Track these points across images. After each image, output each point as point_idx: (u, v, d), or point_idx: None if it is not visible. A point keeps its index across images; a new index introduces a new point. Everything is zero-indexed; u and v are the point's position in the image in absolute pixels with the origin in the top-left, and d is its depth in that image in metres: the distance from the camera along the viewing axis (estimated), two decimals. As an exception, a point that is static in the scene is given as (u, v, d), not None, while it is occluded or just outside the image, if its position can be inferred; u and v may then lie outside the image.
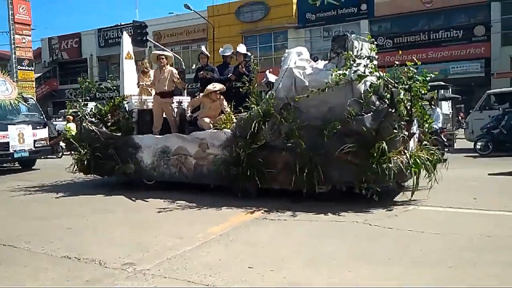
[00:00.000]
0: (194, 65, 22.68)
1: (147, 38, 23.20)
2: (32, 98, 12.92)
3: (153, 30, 33.90)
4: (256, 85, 6.81)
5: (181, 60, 25.07)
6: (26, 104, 11.81)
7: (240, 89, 6.85)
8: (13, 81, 11.69)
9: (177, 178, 7.52)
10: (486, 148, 12.11)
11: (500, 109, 12.95)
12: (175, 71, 8.22)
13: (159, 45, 27.26)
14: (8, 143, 10.92)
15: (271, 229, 5.13)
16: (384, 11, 26.54)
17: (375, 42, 6.29)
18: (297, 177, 6.10)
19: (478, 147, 12.27)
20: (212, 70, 8.08)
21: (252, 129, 6.37)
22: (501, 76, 24.34)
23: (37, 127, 11.76)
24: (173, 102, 8.25)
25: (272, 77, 8.05)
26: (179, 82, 8.23)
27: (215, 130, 7.06)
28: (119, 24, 38.41)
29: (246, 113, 6.63)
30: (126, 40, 9.24)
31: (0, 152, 10.83)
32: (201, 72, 8.11)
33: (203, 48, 8.41)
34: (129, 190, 7.72)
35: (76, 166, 8.43)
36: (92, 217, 6.02)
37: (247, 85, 6.73)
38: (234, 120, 7.03)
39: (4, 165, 12.25)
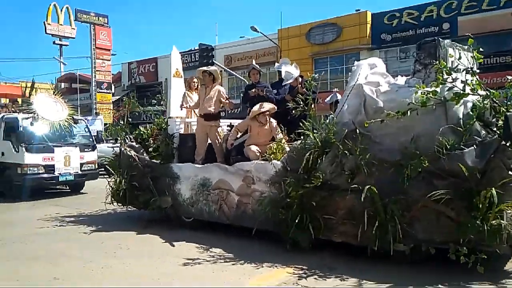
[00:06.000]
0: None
1: (213, 61, 22.86)
2: (83, 120, 12.50)
3: (225, 54, 33.91)
4: (314, 107, 5.38)
5: (246, 82, 24.32)
6: (76, 126, 11.32)
7: (293, 111, 5.43)
8: (64, 101, 11.23)
9: (216, 217, 6.22)
10: None
11: None
12: (223, 90, 7.04)
13: (226, 68, 26.90)
14: (53, 165, 10.36)
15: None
16: (470, 29, 23.52)
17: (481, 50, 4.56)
18: (365, 229, 4.54)
19: None
20: (264, 88, 6.77)
21: (306, 162, 4.93)
22: None
23: (85, 150, 11.20)
24: (220, 126, 7.05)
25: (339, 97, 6.58)
26: (228, 103, 7.02)
27: (262, 161, 5.70)
28: (192, 49, 39.02)
29: (300, 141, 5.22)
30: (175, 56, 8.25)
31: (45, 175, 10.28)
32: (252, 90, 6.83)
33: (253, 62, 7.17)
34: (164, 228, 6.64)
35: (112, 197, 7.49)
36: (96, 263, 4.97)
37: (302, 105, 5.31)
38: (287, 149, 5.64)
39: (58, 187, 11.83)
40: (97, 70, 34.78)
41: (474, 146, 4.16)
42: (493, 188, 3.98)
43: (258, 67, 7.07)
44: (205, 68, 7.13)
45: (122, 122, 8.32)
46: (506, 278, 4.20)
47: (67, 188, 11.78)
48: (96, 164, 11.61)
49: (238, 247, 5.49)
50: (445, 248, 4.25)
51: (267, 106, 6.06)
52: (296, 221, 4.93)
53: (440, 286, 4.00)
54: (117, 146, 15.56)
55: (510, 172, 4.07)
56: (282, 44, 29.14)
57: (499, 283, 4.06)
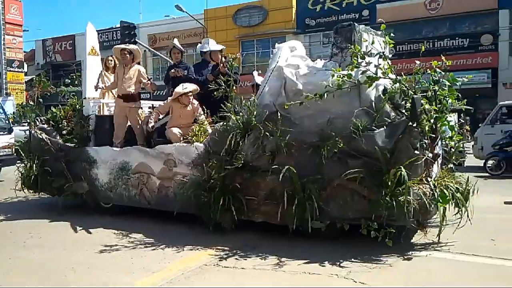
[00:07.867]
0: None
1: (136, 40, 21.87)
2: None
3: (148, 33, 32.69)
4: (235, 88, 5.35)
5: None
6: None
7: (215, 93, 5.36)
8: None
9: (137, 202, 6.04)
10: (498, 167, 10.61)
11: None
12: (143, 69, 6.76)
13: (149, 48, 25.94)
14: (-37, 150, 9.43)
15: (218, 283, 3.82)
16: (387, 17, 24.70)
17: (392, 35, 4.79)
18: (285, 208, 4.65)
19: (489, 166, 10.79)
20: (186, 69, 6.61)
21: (228, 145, 4.92)
22: (510, 87, 22.97)
23: (0, 133, 10.23)
24: (141, 108, 6.79)
25: (259, 79, 6.62)
26: (149, 84, 6.75)
27: (184, 144, 5.60)
28: (113, 26, 37.13)
29: (222, 123, 5.19)
30: (90, 33, 7.76)
31: (-48, 161, 9.31)
32: (172, 71, 6.64)
33: (175, 41, 6.95)
34: (80, 215, 6.29)
35: (22, 183, 6.96)
36: (2, 254, 4.66)
37: (223, 87, 5.26)
38: (209, 132, 5.58)
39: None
40: (7, 47, 31.83)
41: (384, 127, 4.41)
42: (401, 167, 4.25)
43: (180, 46, 6.87)
44: (123, 46, 6.79)
45: (32, 103, 7.70)
46: (412, 250, 4.52)
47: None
48: (14, 149, 10.66)
49: (159, 231, 5.38)
50: (358, 224, 4.50)
51: (190, 87, 5.93)
52: (219, 203, 4.92)
53: (352, 259, 4.22)
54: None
55: (416, 151, 4.37)
56: (209, 25, 28.72)
57: (406, 254, 4.37)
